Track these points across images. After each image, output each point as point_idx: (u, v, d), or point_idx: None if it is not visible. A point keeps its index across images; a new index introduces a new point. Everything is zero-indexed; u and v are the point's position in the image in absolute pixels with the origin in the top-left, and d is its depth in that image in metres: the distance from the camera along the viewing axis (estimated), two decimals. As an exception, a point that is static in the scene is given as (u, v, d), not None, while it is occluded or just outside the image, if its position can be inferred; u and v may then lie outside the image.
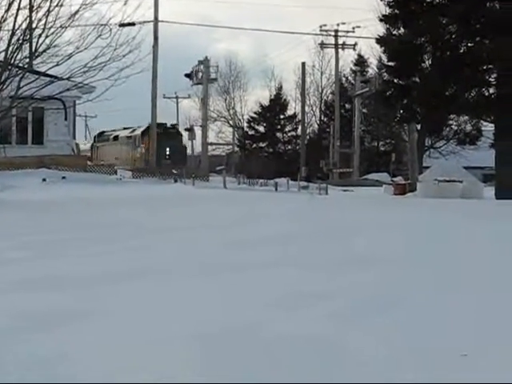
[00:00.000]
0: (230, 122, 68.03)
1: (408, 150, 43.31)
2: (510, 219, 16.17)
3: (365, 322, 4.73)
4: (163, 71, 46.48)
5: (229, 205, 20.13)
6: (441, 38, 28.37)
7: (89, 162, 37.92)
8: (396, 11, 28.80)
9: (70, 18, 19.62)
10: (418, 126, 39.88)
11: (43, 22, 19.37)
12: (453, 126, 39.83)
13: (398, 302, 5.35)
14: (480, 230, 12.20)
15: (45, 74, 20.85)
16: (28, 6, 19.47)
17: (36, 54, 19.77)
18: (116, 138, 51.84)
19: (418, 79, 29.32)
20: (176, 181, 35.45)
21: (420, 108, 30.10)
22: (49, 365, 3.67)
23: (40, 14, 19.43)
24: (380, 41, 31.18)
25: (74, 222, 13.02)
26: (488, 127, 32.77)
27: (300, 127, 62.48)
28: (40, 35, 19.48)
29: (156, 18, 44.35)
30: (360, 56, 61.76)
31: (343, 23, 55.76)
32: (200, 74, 49.86)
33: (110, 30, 20.15)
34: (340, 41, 57.14)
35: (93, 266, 7.18)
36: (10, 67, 19.60)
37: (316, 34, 58.45)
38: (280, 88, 67.06)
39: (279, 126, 66.46)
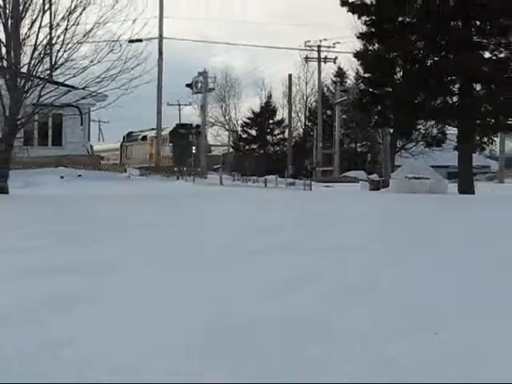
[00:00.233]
0: (226, 127, 68.38)
1: (382, 150, 43.47)
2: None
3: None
4: (167, 82, 46.54)
5: (223, 202, 20.15)
6: (410, 53, 28.44)
7: (101, 162, 37.79)
8: (372, 29, 28.84)
9: (85, 35, 19.60)
10: (391, 130, 40.13)
11: (62, 38, 19.39)
12: (421, 130, 39.78)
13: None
14: (443, 217, 13.37)
15: (63, 84, 20.83)
16: (48, 25, 19.57)
17: (55, 67, 19.76)
18: (144, 137, 51.26)
19: (390, 89, 29.38)
20: (178, 178, 35.45)
21: (392, 114, 30.21)
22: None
23: (59, 31, 19.50)
24: (357, 55, 31.21)
25: (89, 216, 13.01)
26: (452, 131, 32.79)
27: (287, 131, 62.47)
28: (59, 50, 19.50)
29: (161, 35, 44.43)
30: (340, 68, 61.79)
31: (325, 39, 55.81)
32: (199, 84, 49.74)
33: (120, 45, 20.10)
34: (322, 55, 57.17)
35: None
36: (32, 78, 19.61)
37: (301, 49, 58.51)
38: (270, 96, 67.11)
39: (269, 130, 66.39)
